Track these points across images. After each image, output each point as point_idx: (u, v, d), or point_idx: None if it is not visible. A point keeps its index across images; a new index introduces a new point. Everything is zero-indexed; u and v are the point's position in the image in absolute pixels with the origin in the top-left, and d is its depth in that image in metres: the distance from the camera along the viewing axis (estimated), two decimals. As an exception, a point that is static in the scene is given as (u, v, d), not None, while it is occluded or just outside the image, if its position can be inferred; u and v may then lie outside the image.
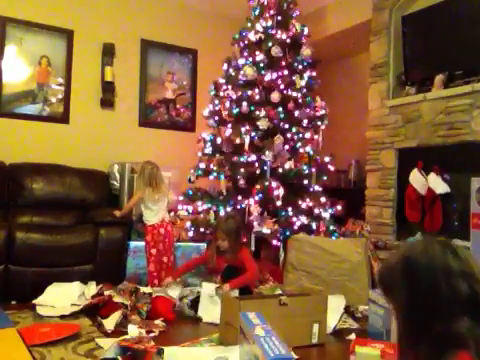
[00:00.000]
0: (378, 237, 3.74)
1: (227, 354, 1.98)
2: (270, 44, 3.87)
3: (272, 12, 4.00)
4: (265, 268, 3.55)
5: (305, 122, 3.95)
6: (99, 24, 4.50)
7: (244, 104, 3.80)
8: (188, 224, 3.89)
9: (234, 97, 3.92)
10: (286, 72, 3.89)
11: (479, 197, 2.95)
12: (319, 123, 4.06)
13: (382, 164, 3.95)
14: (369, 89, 4.15)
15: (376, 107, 4.04)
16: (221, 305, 2.38)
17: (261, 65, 3.88)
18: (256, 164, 3.72)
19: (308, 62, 4.08)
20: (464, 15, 3.38)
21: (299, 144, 3.91)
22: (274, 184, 3.60)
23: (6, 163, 3.75)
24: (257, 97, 3.80)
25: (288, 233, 3.59)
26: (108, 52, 4.49)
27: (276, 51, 3.84)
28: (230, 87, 4.02)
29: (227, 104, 3.96)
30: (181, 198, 4.08)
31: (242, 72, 3.87)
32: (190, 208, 3.99)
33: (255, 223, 3.53)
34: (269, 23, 3.95)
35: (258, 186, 3.63)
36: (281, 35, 3.90)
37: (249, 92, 3.82)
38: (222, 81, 4.13)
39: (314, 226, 3.78)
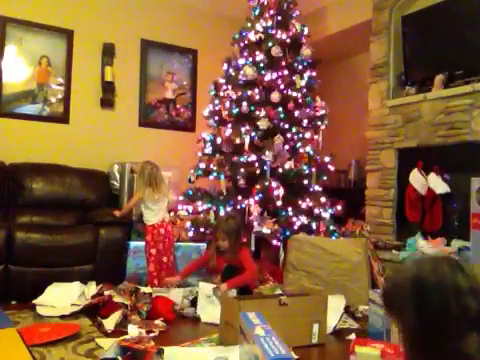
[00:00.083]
0: (378, 237, 3.74)
1: (227, 354, 1.97)
2: (270, 44, 3.87)
3: (272, 12, 4.00)
4: (265, 268, 3.55)
5: (305, 122, 3.95)
6: (99, 24, 4.50)
7: (244, 104, 3.80)
8: (188, 224, 3.89)
9: (234, 97, 3.92)
10: (286, 72, 3.89)
11: (479, 197, 2.95)
12: (319, 123, 4.05)
13: (382, 164, 3.95)
14: (369, 89, 4.15)
15: (376, 107, 4.04)
16: (221, 305, 2.38)
17: (261, 65, 3.88)
18: (256, 164, 3.72)
19: (308, 62, 4.08)
20: (464, 15, 3.38)
21: (299, 144, 3.91)
22: (274, 184, 3.60)
23: (6, 163, 3.75)
24: (257, 97, 3.80)
25: (288, 233, 3.59)
26: (108, 52, 4.49)
27: (276, 51, 3.84)
28: (230, 87, 4.02)
29: (227, 104, 3.96)
30: (181, 198, 4.08)
31: (242, 72, 3.87)
32: (190, 208, 3.99)
33: (255, 223, 3.53)
34: (269, 23, 3.96)
35: (258, 186, 3.63)
36: (281, 35, 3.90)
37: (249, 92, 3.82)
38: (222, 81, 4.12)
39: (314, 226, 3.78)
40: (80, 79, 4.38)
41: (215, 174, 3.92)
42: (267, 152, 3.67)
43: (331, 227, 3.89)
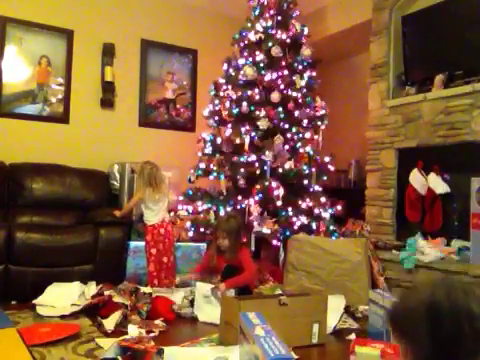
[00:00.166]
0: (378, 237, 3.74)
1: (227, 354, 1.98)
2: (270, 44, 3.87)
3: (272, 12, 4.00)
4: (265, 268, 3.56)
5: (305, 122, 3.95)
6: (99, 24, 4.50)
7: (244, 104, 3.80)
8: (188, 224, 3.89)
9: (234, 97, 3.92)
10: (286, 72, 3.89)
11: (479, 197, 2.96)
12: (319, 123, 4.05)
13: (382, 164, 3.95)
14: (369, 89, 4.14)
15: (376, 107, 4.04)
16: (221, 305, 2.38)
17: (261, 65, 3.88)
18: (256, 164, 3.72)
19: (308, 62, 4.08)
20: (464, 15, 3.38)
21: (299, 144, 3.91)
22: (274, 184, 3.60)
23: (6, 163, 3.75)
24: (257, 97, 3.80)
25: (288, 233, 3.59)
26: (108, 52, 4.49)
27: (276, 51, 3.84)
28: (230, 87, 4.02)
29: (227, 104, 3.96)
30: (181, 198, 4.08)
31: (242, 72, 3.87)
32: (190, 208, 3.99)
33: (255, 223, 3.53)
34: (269, 23, 3.96)
35: (258, 186, 3.63)
36: (281, 35, 3.91)
37: (249, 92, 3.82)
38: (222, 81, 4.12)
39: (314, 226, 3.78)
40: (80, 79, 4.38)
41: (215, 174, 3.92)
42: (267, 152, 3.67)
43: (331, 227, 3.89)
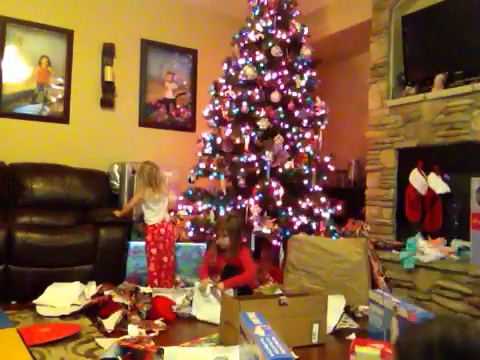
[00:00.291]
0: (378, 237, 3.74)
1: (227, 354, 1.98)
2: (270, 44, 3.87)
3: (272, 12, 4.00)
4: (265, 268, 3.56)
5: (305, 122, 3.95)
6: (99, 24, 4.50)
7: (244, 104, 3.80)
8: (188, 224, 3.89)
9: (234, 97, 3.92)
10: (286, 72, 3.89)
11: (479, 197, 2.96)
12: (319, 123, 4.06)
13: (382, 164, 3.95)
14: (369, 89, 4.14)
15: (376, 107, 4.04)
16: (221, 305, 2.38)
17: (261, 65, 3.88)
18: (256, 164, 3.72)
19: (308, 62, 4.08)
20: (464, 15, 3.38)
21: (299, 144, 3.91)
22: (274, 184, 3.60)
23: (6, 163, 3.75)
24: (257, 97, 3.80)
25: (288, 233, 3.59)
26: (108, 52, 4.49)
27: (276, 51, 3.84)
28: (230, 87, 4.02)
29: (227, 104, 3.96)
30: (181, 198, 4.08)
31: (242, 72, 3.87)
32: (190, 208, 3.99)
33: (255, 223, 3.53)
34: (269, 23, 3.96)
35: (258, 186, 3.63)
36: (281, 35, 3.91)
37: (249, 92, 3.82)
38: (222, 81, 4.13)
39: (314, 226, 3.78)
40: (80, 79, 4.38)
41: (215, 174, 3.92)
42: (267, 152, 3.67)
43: (331, 227, 3.89)
